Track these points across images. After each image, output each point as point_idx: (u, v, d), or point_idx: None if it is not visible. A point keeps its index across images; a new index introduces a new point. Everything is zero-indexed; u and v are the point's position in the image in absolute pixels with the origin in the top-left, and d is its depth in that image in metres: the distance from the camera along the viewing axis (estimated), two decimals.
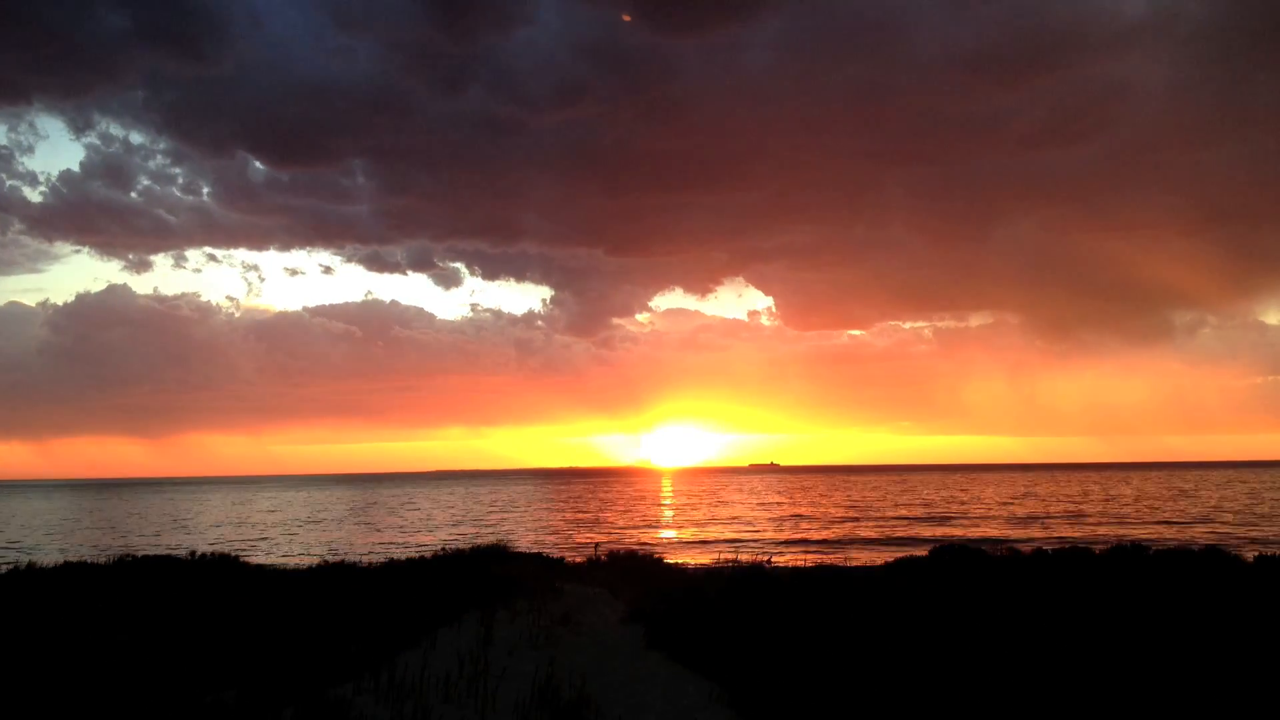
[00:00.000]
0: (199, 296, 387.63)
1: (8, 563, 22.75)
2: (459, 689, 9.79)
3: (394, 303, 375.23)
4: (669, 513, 74.82)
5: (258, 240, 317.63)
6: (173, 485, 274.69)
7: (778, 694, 9.33)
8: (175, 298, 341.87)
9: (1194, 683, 9.12)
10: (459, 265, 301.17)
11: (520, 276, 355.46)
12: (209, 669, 10.10)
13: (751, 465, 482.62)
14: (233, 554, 21.94)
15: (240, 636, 11.61)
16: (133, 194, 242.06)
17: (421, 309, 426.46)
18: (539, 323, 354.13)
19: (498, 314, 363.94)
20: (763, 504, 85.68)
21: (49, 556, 29.16)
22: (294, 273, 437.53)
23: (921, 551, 22.44)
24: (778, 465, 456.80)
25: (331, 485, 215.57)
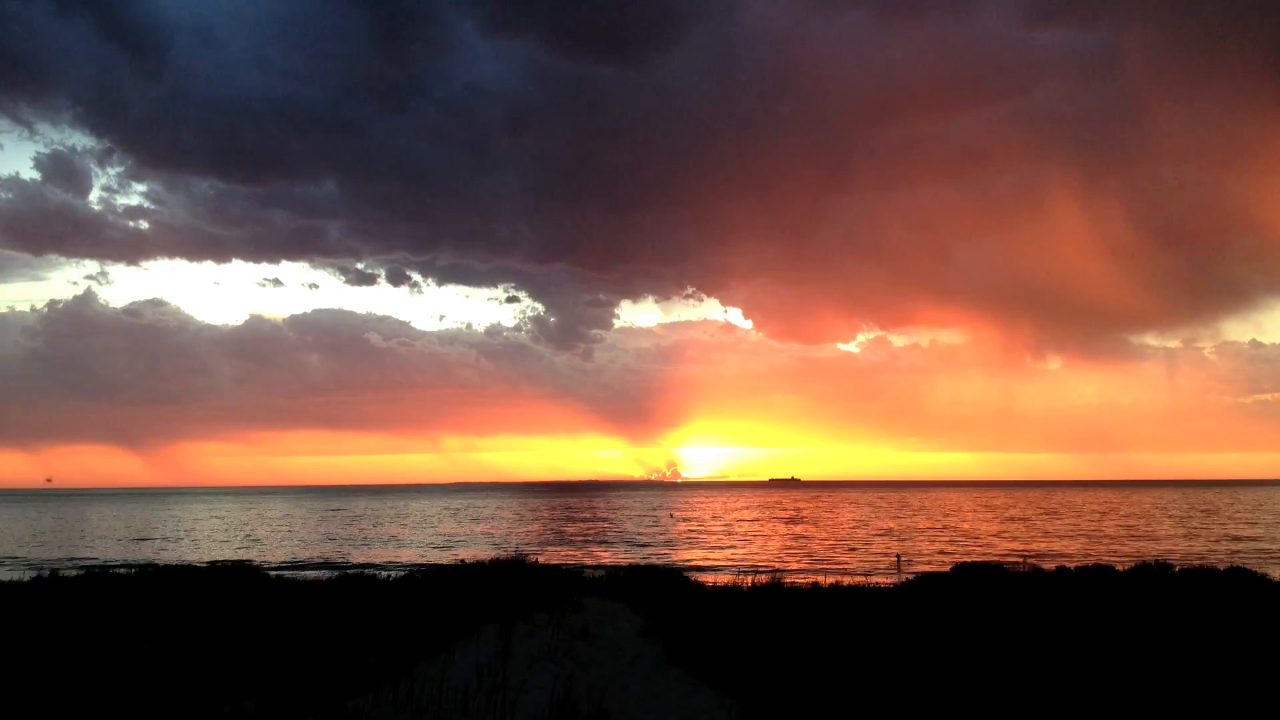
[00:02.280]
0: (172, 305, 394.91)
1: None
2: (477, 702, 9.77)
3: (371, 314, 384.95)
4: (687, 527, 74.59)
5: (234, 253, 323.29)
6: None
7: (797, 711, 9.26)
8: (145, 305, 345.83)
9: (1221, 703, 8.99)
10: (421, 277, 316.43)
11: (493, 285, 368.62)
12: (229, 678, 10.14)
13: (772, 480, 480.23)
14: (253, 564, 22.04)
15: (259, 646, 11.64)
16: (96, 204, 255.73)
17: (409, 323, 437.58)
18: (516, 335, 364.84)
19: (493, 328, 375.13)
20: (782, 518, 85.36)
21: None
22: (274, 283, 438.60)
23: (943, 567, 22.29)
24: (799, 480, 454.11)
25: (337, 496, 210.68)
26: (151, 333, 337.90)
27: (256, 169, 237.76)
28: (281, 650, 11.44)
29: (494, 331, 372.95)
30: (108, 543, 62.52)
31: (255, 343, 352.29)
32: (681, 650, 12.40)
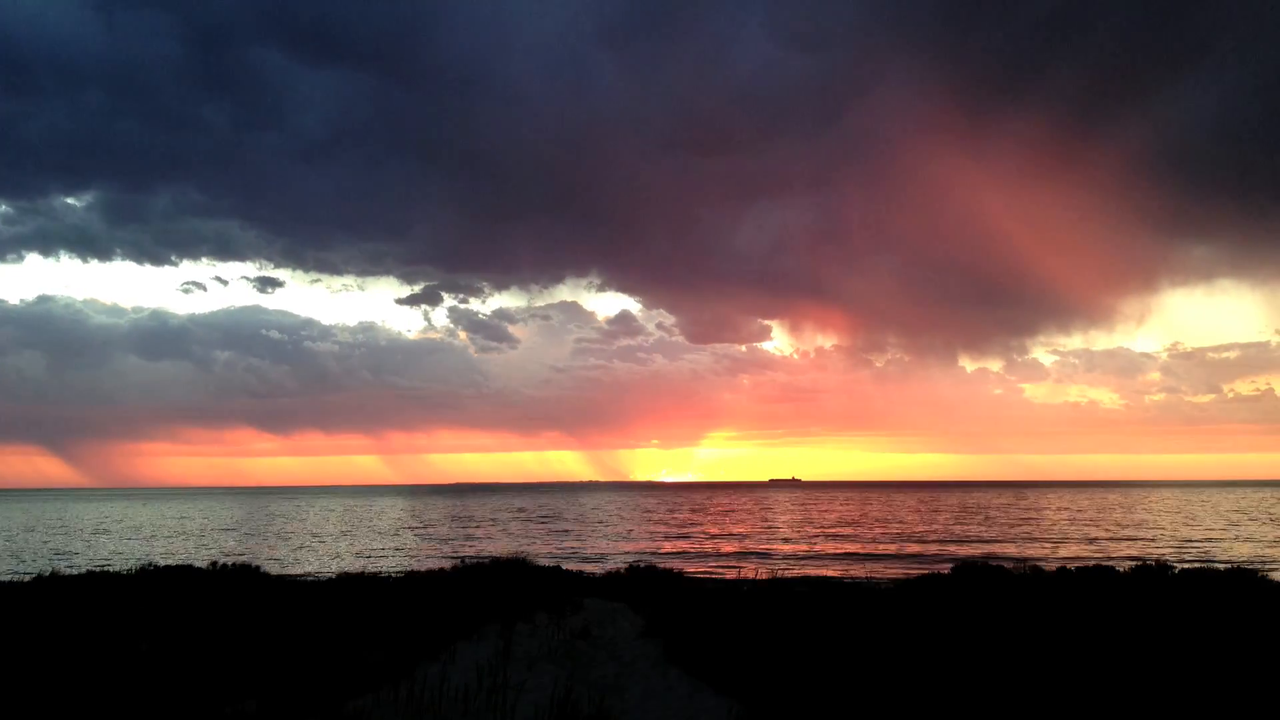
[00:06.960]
0: (64, 299, 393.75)
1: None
2: (478, 702, 9.78)
3: (283, 312, 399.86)
4: (687, 527, 74.55)
5: (143, 254, 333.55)
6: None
7: (798, 711, 9.26)
8: (41, 300, 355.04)
9: (1222, 704, 8.99)
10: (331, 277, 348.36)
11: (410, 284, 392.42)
12: (229, 678, 10.15)
13: (772, 480, 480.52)
14: (254, 564, 22.07)
15: (260, 646, 11.66)
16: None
17: (316, 319, 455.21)
18: (435, 334, 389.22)
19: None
20: (782, 518, 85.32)
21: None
22: (194, 287, 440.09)
23: (944, 567, 22.29)
24: (800, 480, 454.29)
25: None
26: (54, 330, 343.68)
27: (153, 173, 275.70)
28: (282, 650, 11.45)
29: (413, 331, 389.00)
30: None
31: (164, 341, 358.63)
32: (682, 650, 12.41)
